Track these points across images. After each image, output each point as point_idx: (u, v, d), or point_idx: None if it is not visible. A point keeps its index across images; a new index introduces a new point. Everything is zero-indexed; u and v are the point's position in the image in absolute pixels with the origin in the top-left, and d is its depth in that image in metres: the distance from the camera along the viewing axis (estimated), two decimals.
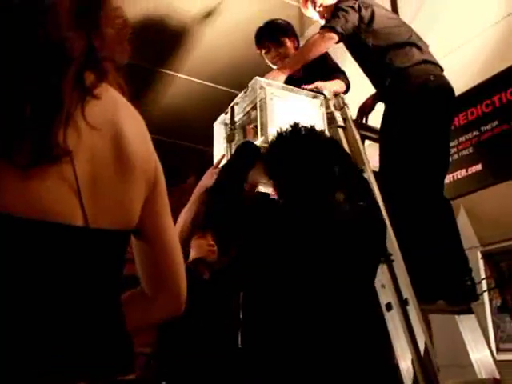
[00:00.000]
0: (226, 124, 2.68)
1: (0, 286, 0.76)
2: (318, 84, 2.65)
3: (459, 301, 2.49)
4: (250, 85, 2.48)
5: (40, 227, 0.78)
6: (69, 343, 0.81)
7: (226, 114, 2.66)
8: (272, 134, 2.11)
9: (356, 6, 2.70)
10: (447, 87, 2.66)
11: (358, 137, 2.59)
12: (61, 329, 0.80)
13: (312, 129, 1.87)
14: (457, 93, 3.39)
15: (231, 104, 2.62)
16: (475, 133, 3.27)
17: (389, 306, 2.20)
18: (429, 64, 2.66)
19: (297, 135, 1.84)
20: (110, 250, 0.91)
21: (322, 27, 2.71)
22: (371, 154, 2.69)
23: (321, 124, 2.45)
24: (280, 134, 1.88)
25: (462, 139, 3.35)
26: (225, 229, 2.15)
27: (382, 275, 2.24)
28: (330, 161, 1.79)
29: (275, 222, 1.73)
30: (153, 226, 1.01)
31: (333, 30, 2.64)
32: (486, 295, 2.97)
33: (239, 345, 2.79)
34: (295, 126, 1.87)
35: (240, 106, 2.58)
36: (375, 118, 2.94)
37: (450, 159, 3.37)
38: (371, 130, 2.89)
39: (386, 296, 2.23)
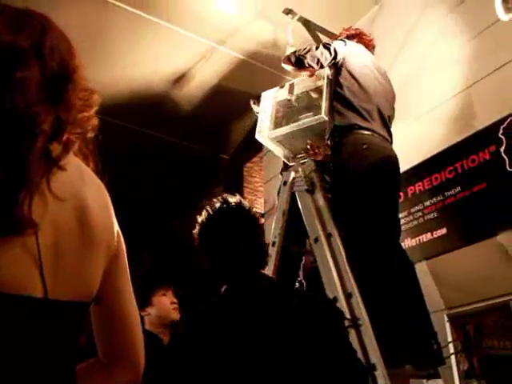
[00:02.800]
0: (275, 98, 3.30)
1: None
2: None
3: (426, 365, 2.49)
4: (316, 73, 3.14)
5: None
6: None
7: (281, 87, 3.30)
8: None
9: (331, 49, 2.97)
10: (380, 155, 2.72)
11: (323, 201, 2.65)
12: None
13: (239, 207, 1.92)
14: (421, 159, 3.54)
15: (290, 82, 3.27)
16: (439, 197, 3.37)
17: None
18: (365, 132, 2.73)
19: (223, 214, 1.88)
20: (68, 321, 0.91)
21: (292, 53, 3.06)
22: None
23: None
24: (208, 213, 1.91)
25: (426, 203, 3.44)
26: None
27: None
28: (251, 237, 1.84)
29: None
30: (112, 297, 1.02)
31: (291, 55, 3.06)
32: (453, 359, 2.98)
33: None
34: (224, 201, 1.90)
35: (298, 86, 3.21)
36: None
37: (416, 223, 3.46)
38: None
39: None
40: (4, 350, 0.79)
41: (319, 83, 3.09)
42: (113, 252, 0.99)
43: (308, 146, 2.99)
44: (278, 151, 3.22)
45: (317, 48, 2.98)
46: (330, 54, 2.93)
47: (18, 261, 0.81)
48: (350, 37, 3.18)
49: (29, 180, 0.80)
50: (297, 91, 3.21)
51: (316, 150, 2.99)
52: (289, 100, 3.20)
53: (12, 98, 0.81)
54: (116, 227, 1.01)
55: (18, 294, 0.80)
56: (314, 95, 3.14)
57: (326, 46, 2.97)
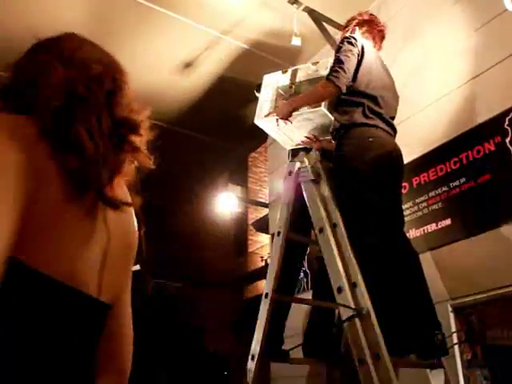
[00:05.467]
0: (277, 83, 3.25)
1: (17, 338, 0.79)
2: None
3: (430, 355, 2.51)
4: (321, 62, 3.21)
5: (66, 291, 0.84)
6: None
7: (284, 72, 3.27)
8: None
9: (356, 48, 2.79)
10: (386, 148, 2.71)
11: (328, 192, 2.65)
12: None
13: None
14: (426, 150, 3.54)
15: (293, 68, 3.29)
16: (444, 188, 3.37)
17: (361, 361, 2.22)
18: (368, 127, 2.70)
19: None
20: (102, 322, 0.98)
21: (327, 78, 2.76)
22: None
23: None
24: None
25: (431, 194, 3.44)
26: None
27: (354, 330, 2.26)
28: None
29: None
30: (119, 307, 1.06)
31: (336, 87, 2.72)
32: (456, 349, 3.00)
33: None
34: None
35: (300, 73, 3.21)
36: None
37: (421, 213, 3.47)
38: None
39: (358, 351, 2.24)
40: (52, 338, 0.83)
41: (322, 72, 3.04)
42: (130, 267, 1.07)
43: (304, 139, 3.00)
44: (276, 136, 3.20)
45: (341, 51, 2.77)
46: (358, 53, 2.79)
47: (93, 259, 0.88)
48: (359, 23, 3.00)
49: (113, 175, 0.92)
50: (299, 78, 3.18)
51: (313, 140, 2.99)
52: (290, 87, 3.18)
53: (115, 103, 0.97)
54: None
55: (80, 290, 0.86)
56: (316, 84, 3.04)
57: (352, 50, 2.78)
